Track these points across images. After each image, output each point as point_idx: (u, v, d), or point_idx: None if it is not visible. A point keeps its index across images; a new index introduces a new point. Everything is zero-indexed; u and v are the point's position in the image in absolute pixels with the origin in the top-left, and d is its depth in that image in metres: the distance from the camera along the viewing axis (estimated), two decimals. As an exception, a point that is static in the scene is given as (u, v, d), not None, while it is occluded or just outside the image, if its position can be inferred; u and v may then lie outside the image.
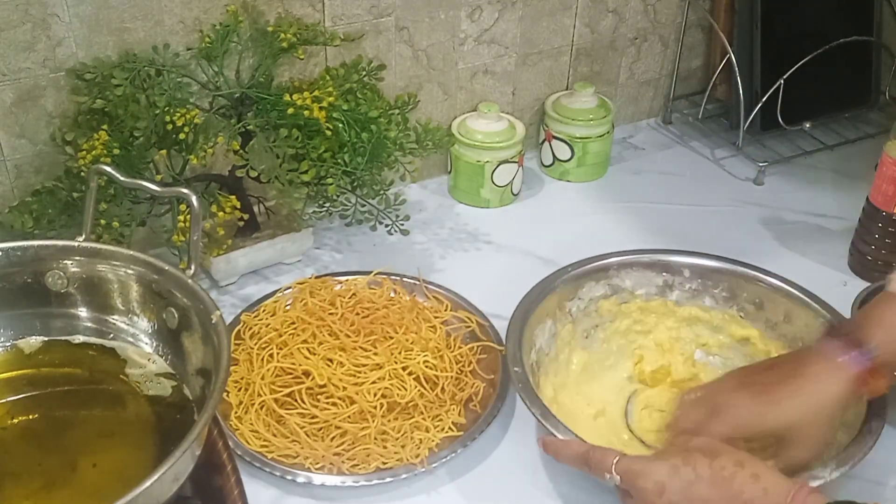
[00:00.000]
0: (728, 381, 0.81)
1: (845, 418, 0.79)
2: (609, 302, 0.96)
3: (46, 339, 0.85)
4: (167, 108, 0.91)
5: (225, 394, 0.87)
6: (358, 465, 0.82)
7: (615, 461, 0.70)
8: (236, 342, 0.93)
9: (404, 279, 1.02)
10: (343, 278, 1.01)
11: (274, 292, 1.00)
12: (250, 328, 0.94)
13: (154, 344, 0.84)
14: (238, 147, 0.94)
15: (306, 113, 0.92)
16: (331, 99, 0.94)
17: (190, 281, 0.79)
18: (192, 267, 0.80)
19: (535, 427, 0.87)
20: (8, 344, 0.84)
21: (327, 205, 1.00)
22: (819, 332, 0.89)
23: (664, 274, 0.97)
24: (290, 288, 1.00)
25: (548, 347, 0.92)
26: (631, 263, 0.96)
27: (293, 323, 0.93)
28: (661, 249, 0.98)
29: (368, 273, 1.02)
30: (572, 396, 0.90)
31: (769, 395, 0.76)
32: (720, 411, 0.77)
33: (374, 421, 0.84)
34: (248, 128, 0.94)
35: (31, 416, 0.79)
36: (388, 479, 0.81)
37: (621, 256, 0.96)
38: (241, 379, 0.89)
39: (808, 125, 1.32)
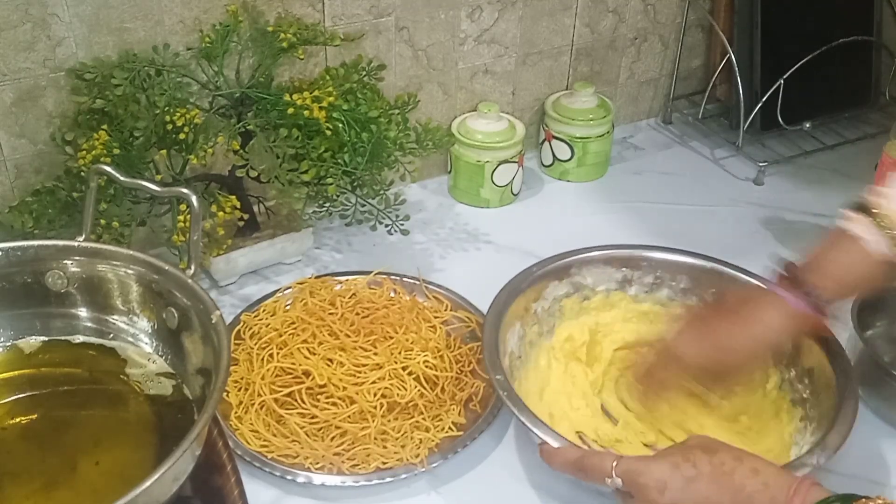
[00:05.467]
0: (682, 327, 0.86)
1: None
2: (571, 300, 0.96)
3: (46, 339, 0.85)
4: (167, 108, 0.91)
5: (225, 394, 0.87)
6: (358, 465, 0.82)
7: (614, 464, 0.70)
8: (236, 342, 0.93)
9: (404, 279, 1.02)
10: (343, 278, 1.02)
11: (274, 292, 1.00)
12: (250, 328, 0.95)
13: (154, 344, 0.84)
14: (238, 147, 0.94)
15: (306, 113, 0.92)
16: (331, 99, 0.94)
17: (190, 281, 0.79)
18: (192, 267, 0.80)
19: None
20: (8, 344, 0.84)
21: (327, 205, 1.00)
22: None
23: (623, 269, 0.97)
24: (290, 288, 1.00)
25: (519, 351, 0.92)
26: (591, 260, 0.97)
27: (293, 323, 0.93)
28: (618, 245, 1.00)
29: (368, 273, 1.02)
30: (550, 399, 0.90)
31: (719, 340, 0.82)
32: (674, 356, 0.84)
33: (374, 421, 0.84)
34: (248, 128, 0.94)
35: (31, 416, 0.79)
36: (388, 479, 0.81)
37: (582, 254, 0.97)
38: (241, 379, 0.89)
39: (808, 125, 1.32)
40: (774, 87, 1.25)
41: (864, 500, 0.61)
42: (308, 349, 0.89)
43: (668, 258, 0.97)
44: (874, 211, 0.79)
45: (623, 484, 0.69)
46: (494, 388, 0.82)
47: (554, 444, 0.76)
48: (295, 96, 0.93)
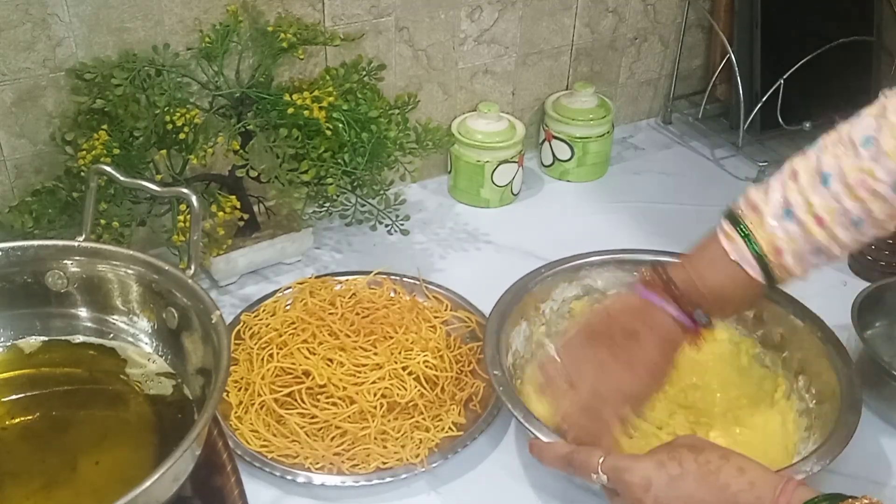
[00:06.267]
0: (582, 352, 0.80)
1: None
2: (581, 303, 0.96)
3: (46, 339, 0.85)
4: (167, 108, 0.91)
5: (225, 394, 0.87)
6: (358, 465, 0.82)
7: (600, 460, 0.70)
8: (236, 342, 0.93)
9: (404, 279, 1.02)
10: (343, 278, 1.01)
11: (274, 292, 1.00)
12: (250, 328, 0.95)
13: (154, 344, 0.84)
14: (238, 147, 0.94)
15: (306, 113, 0.92)
16: (331, 99, 0.94)
17: (190, 281, 0.79)
18: (192, 267, 0.80)
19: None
20: (8, 344, 0.84)
21: (327, 205, 1.00)
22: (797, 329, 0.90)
23: (635, 273, 0.96)
24: (290, 288, 1.00)
25: (524, 350, 0.92)
26: (602, 263, 0.96)
27: (293, 323, 0.93)
28: (632, 249, 0.99)
29: (368, 273, 1.02)
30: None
31: (623, 369, 0.77)
32: (578, 385, 0.78)
33: (374, 421, 0.84)
34: (248, 128, 0.94)
35: (31, 416, 0.79)
36: (388, 479, 0.81)
37: (593, 257, 0.97)
38: (241, 379, 0.89)
39: (808, 125, 1.32)
40: (774, 87, 1.25)
41: (850, 500, 0.61)
42: (308, 349, 0.89)
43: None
44: (748, 225, 0.76)
45: (609, 480, 0.70)
46: (492, 384, 0.83)
47: (545, 439, 0.76)
48: (295, 96, 0.93)
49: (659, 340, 0.78)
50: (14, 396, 0.81)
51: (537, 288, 0.93)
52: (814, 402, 0.86)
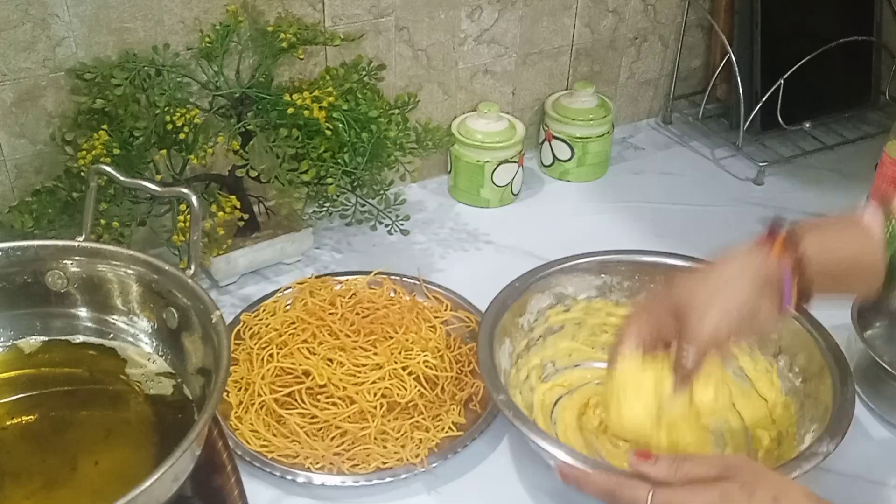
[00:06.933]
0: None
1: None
2: (555, 311, 0.96)
3: (46, 339, 0.85)
4: (167, 108, 0.91)
5: (225, 394, 0.87)
6: (358, 465, 0.82)
7: (650, 495, 0.66)
8: (236, 342, 0.93)
9: (404, 279, 1.02)
10: (343, 278, 1.02)
11: (274, 292, 1.00)
12: (250, 328, 0.95)
13: (154, 344, 0.84)
14: (238, 147, 0.94)
15: (306, 113, 0.92)
16: (331, 99, 0.94)
17: (190, 281, 0.79)
18: (192, 267, 0.81)
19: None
20: (8, 344, 0.84)
21: (327, 205, 1.00)
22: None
23: (602, 276, 0.96)
24: (290, 288, 1.00)
25: (510, 367, 0.91)
26: (569, 269, 0.96)
27: (293, 323, 0.93)
28: (595, 252, 0.97)
29: (368, 273, 1.02)
30: (537, 413, 0.90)
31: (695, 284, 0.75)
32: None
33: (374, 421, 0.84)
34: (248, 128, 0.94)
35: (31, 416, 0.79)
36: (388, 479, 0.81)
37: (560, 265, 0.96)
38: (241, 379, 0.89)
39: (808, 125, 1.32)
40: (774, 87, 1.25)
41: None
42: (308, 349, 0.89)
43: (645, 260, 0.96)
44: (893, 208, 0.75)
45: None
46: (500, 408, 0.81)
47: (570, 461, 0.74)
48: (295, 96, 0.93)
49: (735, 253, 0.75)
50: (14, 396, 0.81)
51: (514, 303, 0.92)
52: (799, 380, 0.86)
